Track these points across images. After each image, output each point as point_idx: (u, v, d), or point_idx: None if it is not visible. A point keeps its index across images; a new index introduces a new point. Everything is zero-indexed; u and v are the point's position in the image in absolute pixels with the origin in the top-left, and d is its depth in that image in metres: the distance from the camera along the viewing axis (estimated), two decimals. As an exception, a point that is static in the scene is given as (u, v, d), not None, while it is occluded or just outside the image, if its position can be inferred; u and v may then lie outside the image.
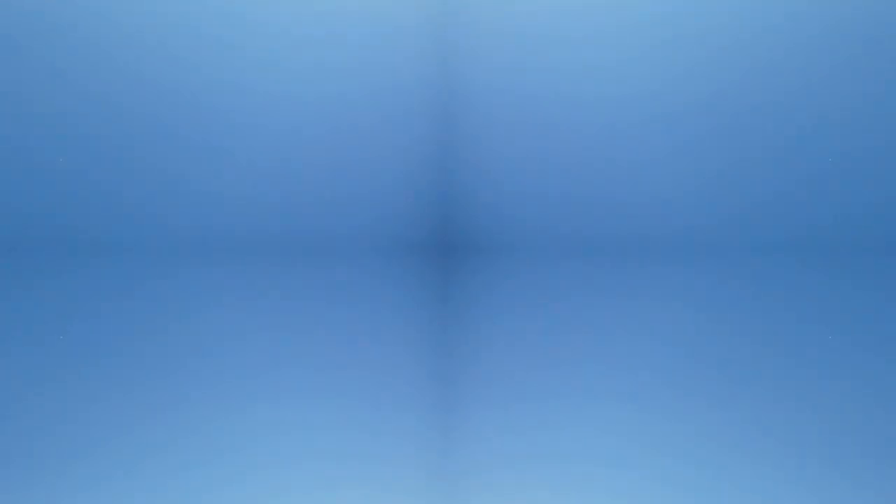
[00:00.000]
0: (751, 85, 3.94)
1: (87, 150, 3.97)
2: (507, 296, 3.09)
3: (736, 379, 2.01)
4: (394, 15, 3.97)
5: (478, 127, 4.06)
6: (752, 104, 3.95)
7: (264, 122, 4.03)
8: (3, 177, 3.94)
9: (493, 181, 4.07)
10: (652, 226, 4.02)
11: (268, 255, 3.89)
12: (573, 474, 1.38)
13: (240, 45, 3.97)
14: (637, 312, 2.79)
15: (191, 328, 2.54)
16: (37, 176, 3.96)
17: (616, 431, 1.61)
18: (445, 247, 4.08)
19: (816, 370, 2.09)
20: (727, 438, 1.57)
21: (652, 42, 3.94)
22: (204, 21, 3.95)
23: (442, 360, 2.18)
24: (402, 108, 4.04)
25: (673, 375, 2.04)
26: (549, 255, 3.91)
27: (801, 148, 3.94)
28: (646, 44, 3.95)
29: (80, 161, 3.97)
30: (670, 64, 3.96)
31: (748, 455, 1.48)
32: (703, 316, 2.73)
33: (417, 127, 4.06)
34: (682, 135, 4.00)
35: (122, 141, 3.99)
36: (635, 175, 4.02)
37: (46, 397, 1.83)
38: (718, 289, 3.19)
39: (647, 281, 3.37)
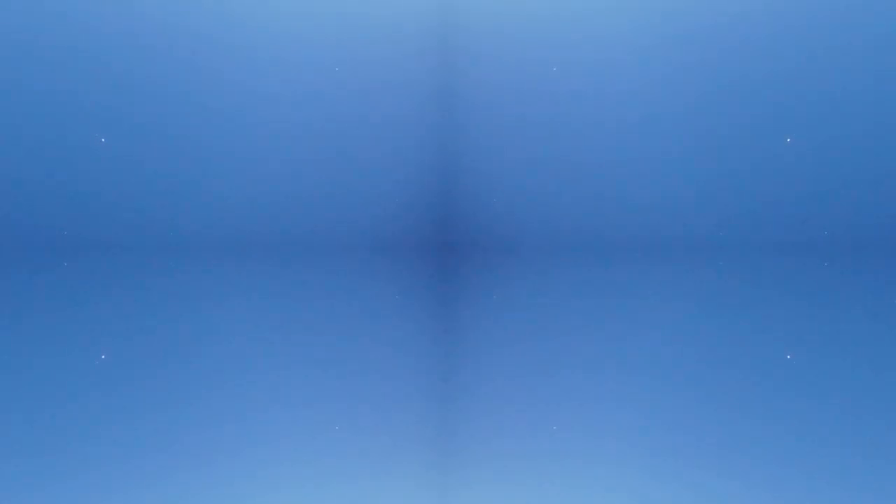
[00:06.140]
0: (752, 88, 3.95)
1: (88, 150, 3.98)
2: (507, 294, 3.09)
3: (732, 376, 2.01)
4: (395, 18, 3.98)
5: (478, 129, 4.06)
6: (753, 107, 3.96)
7: (266, 124, 4.03)
8: (5, 177, 3.95)
9: (493, 182, 4.07)
10: (650, 225, 4.03)
11: (269, 255, 3.89)
12: (571, 472, 1.38)
13: (241, 48, 3.98)
14: (636, 311, 2.79)
15: (194, 326, 2.54)
16: (38, 177, 3.96)
17: (615, 430, 1.61)
18: (445, 247, 4.08)
19: (813, 369, 2.10)
20: (727, 437, 1.58)
21: (652, 44, 3.94)
22: (205, 23, 3.95)
23: (441, 358, 2.18)
24: (403, 109, 4.05)
25: (672, 374, 2.05)
26: (548, 255, 3.91)
27: (800, 147, 3.95)
28: (646, 46, 3.95)
29: (80, 161, 3.97)
30: (671, 66, 3.96)
31: (747, 454, 1.48)
32: (702, 315, 2.73)
33: (418, 128, 4.06)
34: (682, 136, 4.00)
35: (123, 141, 3.99)
36: (634, 176, 4.02)
37: (46, 398, 1.84)
38: (717, 288, 3.19)
39: (645, 280, 3.37)
